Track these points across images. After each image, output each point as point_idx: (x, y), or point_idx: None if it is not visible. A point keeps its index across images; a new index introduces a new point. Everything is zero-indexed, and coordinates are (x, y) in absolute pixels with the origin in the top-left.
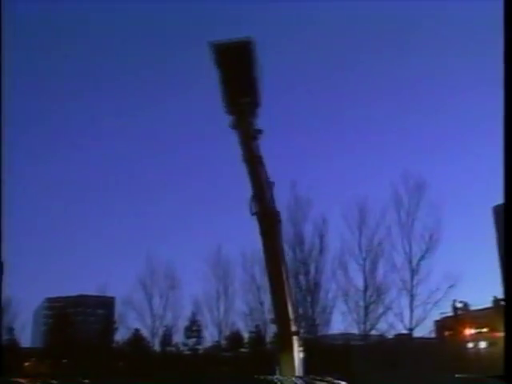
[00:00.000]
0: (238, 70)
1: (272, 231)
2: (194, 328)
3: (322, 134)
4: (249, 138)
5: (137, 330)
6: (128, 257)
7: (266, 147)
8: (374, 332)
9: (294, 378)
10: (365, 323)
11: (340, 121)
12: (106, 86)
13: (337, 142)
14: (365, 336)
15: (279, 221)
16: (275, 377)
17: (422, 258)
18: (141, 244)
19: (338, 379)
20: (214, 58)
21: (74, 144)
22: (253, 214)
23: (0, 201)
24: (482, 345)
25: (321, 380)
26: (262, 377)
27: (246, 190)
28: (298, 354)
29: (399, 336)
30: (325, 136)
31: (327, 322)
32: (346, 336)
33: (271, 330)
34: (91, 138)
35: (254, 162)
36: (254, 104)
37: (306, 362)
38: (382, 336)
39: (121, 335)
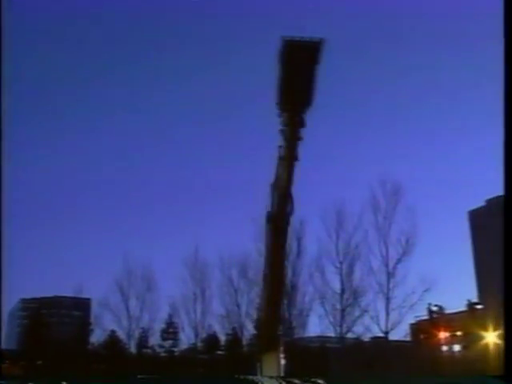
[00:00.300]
0: (302, 68)
1: (279, 232)
2: (171, 330)
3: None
4: (295, 137)
5: (113, 332)
6: (105, 258)
7: (242, 148)
8: (350, 335)
9: (277, 379)
10: (341, 326)
11: (317, 124)
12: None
13: (314, 144)
14: (341, 339)
15: (288, 223)
16: (257, 377)
17: (399, 261)
18: (118, 245)
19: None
20: (282, 53)
21: (56, 141)
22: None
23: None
24: (456, 348)
25: (306, 381)
26: (242, 377)
27: (224, 192)
28: (280, 357)
29: (375, 339)
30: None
31: (304, 325)
32: (322, 339)
33: (248, 332)
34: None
35: (289, 163)
36: (308, 104)
37: (284, 364)
38: (358, 339)
39: (96, 337)
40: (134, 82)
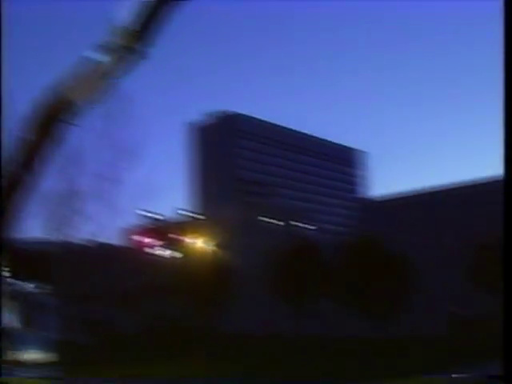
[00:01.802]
0: None
1: (50, 126)
2: None
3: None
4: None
5: None
6: None
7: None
8: (71, 240)
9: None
10: (60, 230)
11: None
12: None
13: None
14: (62, 244)
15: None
16: None
17: (123, 168)
18: None
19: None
20: None
21: None
22: None
23: None
24: (168, 252)
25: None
26: None
27: None
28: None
29: (96, 244)
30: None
31: (22, 227)
32: (41, 242)
33: None
34: None
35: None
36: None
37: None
38: (79, 244)
39: None
40: None
